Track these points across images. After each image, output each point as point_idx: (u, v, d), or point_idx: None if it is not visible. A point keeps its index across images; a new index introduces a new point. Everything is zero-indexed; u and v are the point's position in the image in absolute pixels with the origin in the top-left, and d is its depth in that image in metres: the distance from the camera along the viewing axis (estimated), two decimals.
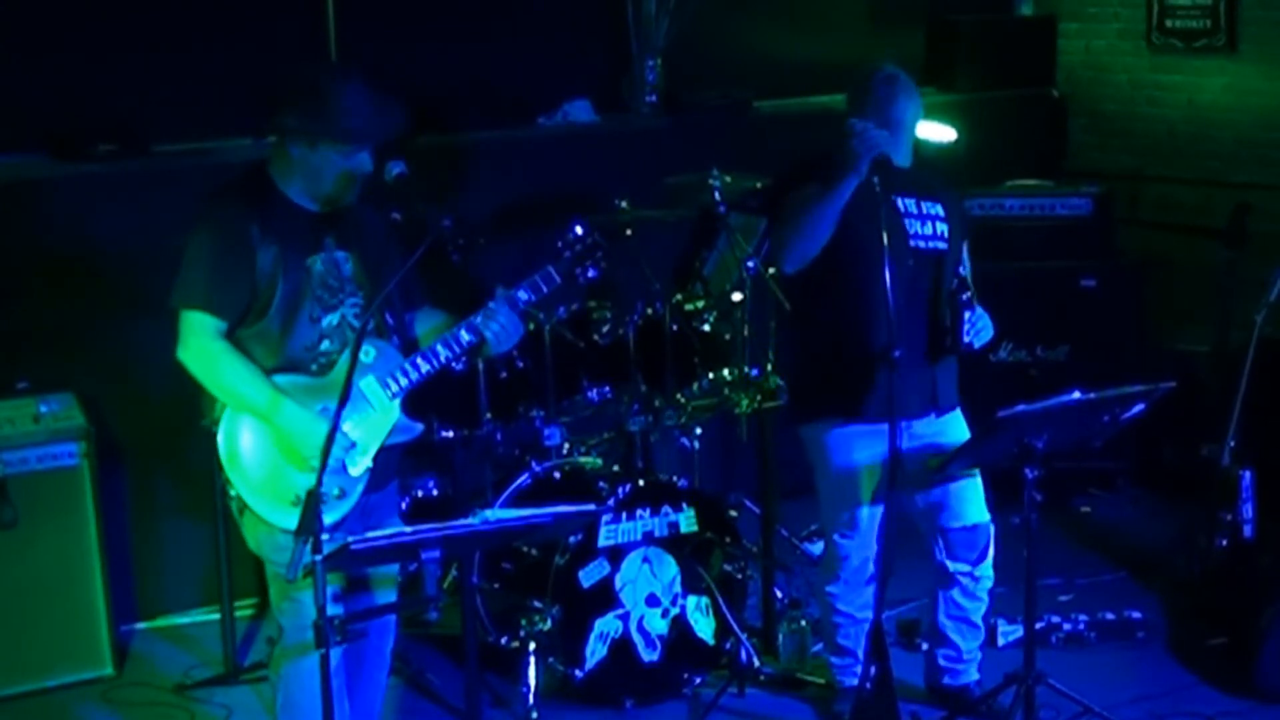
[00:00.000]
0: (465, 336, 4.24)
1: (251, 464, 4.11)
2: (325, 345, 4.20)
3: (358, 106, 4.07)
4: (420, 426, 4.36)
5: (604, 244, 4.41)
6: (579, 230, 4.40)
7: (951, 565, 5.00)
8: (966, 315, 4.74)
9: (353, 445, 4.15)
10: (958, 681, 5.11)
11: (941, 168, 5.21)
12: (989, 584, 5.06)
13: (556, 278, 4.35)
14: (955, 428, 4.97)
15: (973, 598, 5.05)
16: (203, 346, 4.08)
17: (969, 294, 4.76)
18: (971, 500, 4.96)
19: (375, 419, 4.20)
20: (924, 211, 4.87)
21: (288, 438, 4.10)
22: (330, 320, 4.20)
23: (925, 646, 5.24)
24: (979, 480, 4.98)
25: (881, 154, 4.58)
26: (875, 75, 4.82)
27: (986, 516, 4.99)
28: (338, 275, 4.21)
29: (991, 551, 5.02)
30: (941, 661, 5.13)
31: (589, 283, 4.61)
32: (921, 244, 4.83)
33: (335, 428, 3.88)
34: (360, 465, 4.18)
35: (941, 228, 4.88)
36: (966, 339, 4.76)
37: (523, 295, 4.30)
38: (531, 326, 5.35)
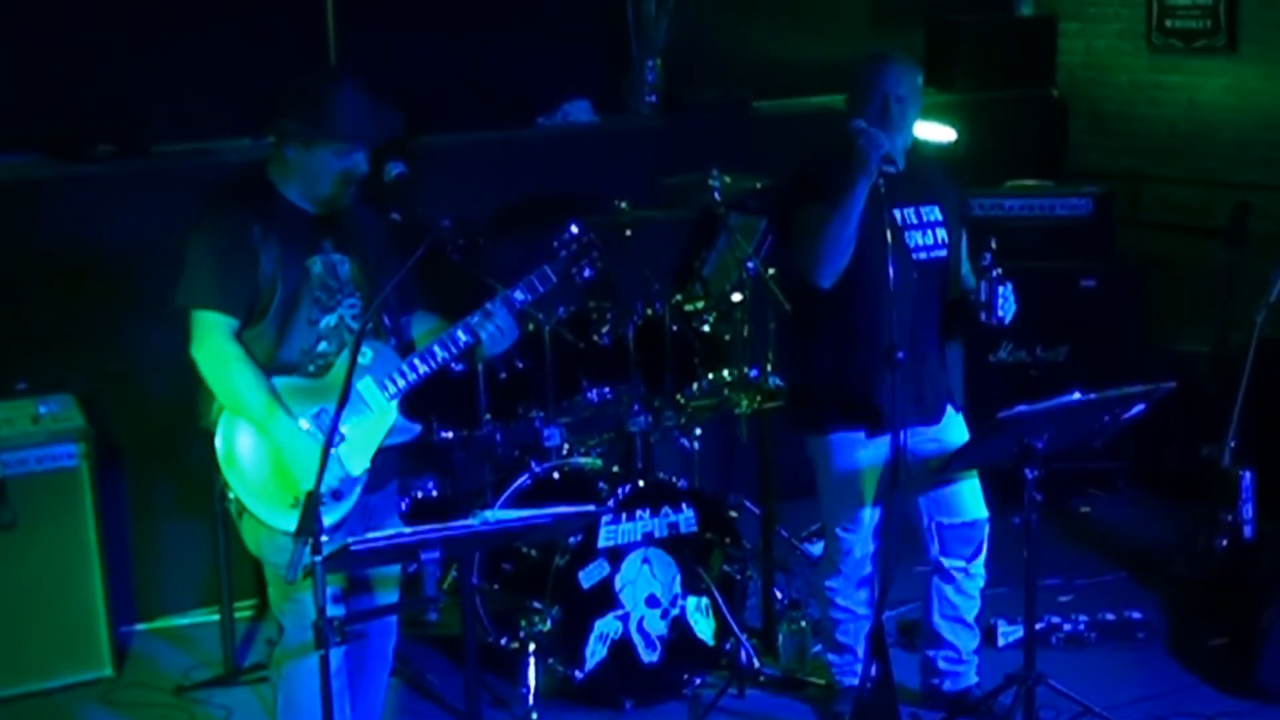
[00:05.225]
0: (462, 337, 4.24)
1: (249, 466, 4.10)
2: (322, 346, 4.20)
3: (351, 108, 4.08)
4: (418, 427, 4.36)
5: (599, 243, 4.42)
6: (574, 230, 4.41)
7: (946, 561, 5.00)
8: (1000, 290, 4.74)
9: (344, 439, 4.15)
10: (958, 685, 5.09)
11: (935, 158, 5.19)
12: (981, 583, 5.05)
13: (552, 277, 4.35)
14: (955, 427, 4.97)
15: (966, 596, 5.04)
16: (219, 348, 4.07)
17: (999, 270, 4.76)
18: (969, 496, 4.96)
19: (372, 420, 4.20)
20: (923, 220, 4.86)
21: (280, 452, 4.08)
22: (328, 321, 4.20)
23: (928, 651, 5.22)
24: (976, 477, 4.98)
25: (887, 152, 4.58)
26: (866, 60, 4.83)
27: (985, 513, 4.98)
28: (335, 277, 4.21)
29: (985, 550, 5.01)
30: (941, 664, 5.11)
31: (585, 283, 4.61)
32: (923, 255, 4.83)
33: (334, 429, 3.88)
34: (358, 467, 4.17)
35: (941, 234, 4.88)
36: (1000, 313, 4.76)
37: (519, 296, 4.31)
38: (531, 327, 5.36)
